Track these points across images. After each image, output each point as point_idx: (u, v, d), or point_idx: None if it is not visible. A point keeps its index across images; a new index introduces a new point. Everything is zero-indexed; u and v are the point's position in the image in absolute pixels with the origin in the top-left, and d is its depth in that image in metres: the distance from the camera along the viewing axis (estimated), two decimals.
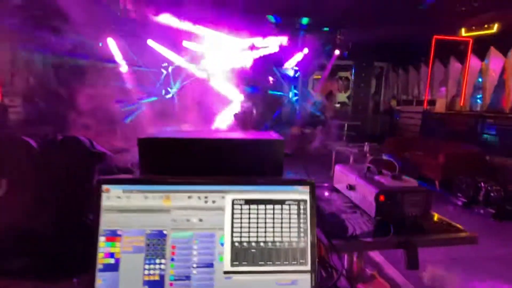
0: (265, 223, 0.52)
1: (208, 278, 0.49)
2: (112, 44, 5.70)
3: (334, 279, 0.76)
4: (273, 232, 0.51)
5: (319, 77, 8.70)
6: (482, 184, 3.68)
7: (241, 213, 0.52)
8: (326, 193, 1.46)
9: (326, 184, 1.53)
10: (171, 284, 0.49)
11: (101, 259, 0.49)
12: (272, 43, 6.08)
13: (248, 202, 0.52)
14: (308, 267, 0.51)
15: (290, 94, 8.25)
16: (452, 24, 5.64)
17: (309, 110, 8.48)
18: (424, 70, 7.13)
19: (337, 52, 6.92)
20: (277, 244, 0.51)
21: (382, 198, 1.09)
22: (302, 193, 0.53)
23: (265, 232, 0.51)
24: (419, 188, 1.14)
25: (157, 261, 0.50)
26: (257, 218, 0.52)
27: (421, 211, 1.11)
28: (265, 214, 0.52)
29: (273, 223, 0.52)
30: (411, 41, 6.64)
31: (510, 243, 2.82)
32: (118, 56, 5.79)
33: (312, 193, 0.53)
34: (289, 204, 0.52)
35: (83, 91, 4.98)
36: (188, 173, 0.56)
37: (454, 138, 5.17)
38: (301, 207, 0.52)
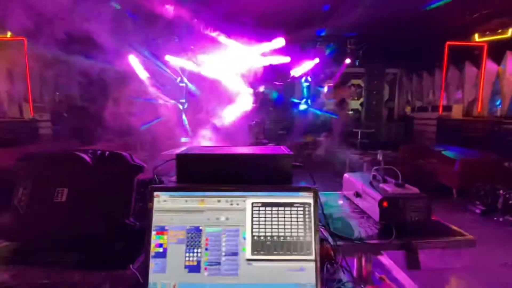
0: (278, 221, 0.66)
1: (234, 264, 0.64)
2: (133, 61, 6.09)
3: (339, 274, 0.88)
4: (284, 228, 0.65)
5: (331, 84, 8.79)
6: (501, 192, 3.60)
7: (259, 213, 0.66)
8: (338, 200, 1.57)
9: (339, 192, 1.65)
10: (205, 268, 0.64)
11: (153, 248, 0.65)
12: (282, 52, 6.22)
13: (264, 204, 0.67)
14: (313, 257, 0.64)
15: (302, 101, 8.36)
16: (465, 29, 5.62)
17: (321, 118, 8.55)
18: (439, 76, 7.04)
19: (347, 60, 7.01)
20: (288, 238, 0.65)
21: (385, 204, 1.20)
22: (307, 198, 0.67)
23: (278, 228, 0.65)
24: (420, 195, 1.23)
25: (195, 250, 0.65)
26: (271, 217, 0.66)
27: (422, 216, 1.20)
28: (278, 214, 0.66)
29: (284, 221, 0.66)
30: (423, 47, 6.63)
31: None
32: (140, 72, 6.15)
33: (315, 198, 0.66)
34: (297, 207, 0.66)
35: (108, 108, 5.37)
36: (216, 181, 0.71)
37: (471, 145, 5.06)
38: (306, 209, 0.66)
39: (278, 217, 0.66)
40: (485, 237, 3.09)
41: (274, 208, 0.66)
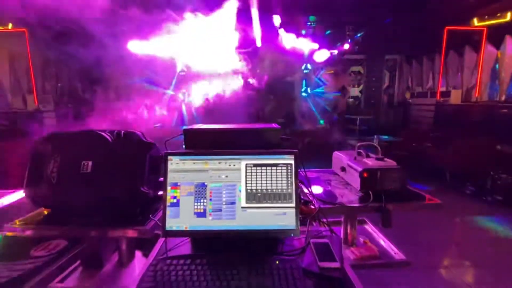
0: (266, 177, 0.83)
1: (232, 210, 0.82)
2: (135, 47, 6.08)
3: (321, 229, 1.07)
4: (271, 183, 0.83)
5: (332, 72, 8.83)
6: (491, 173, 3.77)
7: (251, 172, 0.84)
8: (328, 175, 1.76)
9: (329, 169, 1.84)
10: (210, 214, 0.82)
11: (169, 200, 0.83)
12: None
13: (256, 165, 0.84)
14: (293, 205, 0.82)
15: (303, 89, 8.42)
16: (464, 14, 5.63)
17: (321, 106, 8.64)
18: (439, 61, 7.05)
19: (346, 46, 7.04)
20: (274, 190, 0.83)
21: (365, 174, 1.38)
22: (289, 159, 0.84)
23: (266, 183, 0.83)
24: (396, 167, 1.41)
25: (201, 201, 0.83)
26: (261, 175, 0.83)
27: (397, 184, 1.38)
28: (266, 172, 0.84)
29: (271, 177, 0.83)
30: (423, 32, 6.62)
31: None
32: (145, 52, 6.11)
33: (295, 159, 0.83)
34: (281, 166, 0.84)
35: (109, 98, 5.50)
36: (218, 148, 0.88)
37: (467, 129, 5.17)
38: (289, 168, 0.83)
39: (266, 175, 0.83)
40: (472, 214, 3.30)
41: (263, 168, 0.84)
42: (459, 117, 5.79)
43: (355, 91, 9.19)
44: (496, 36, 5.73)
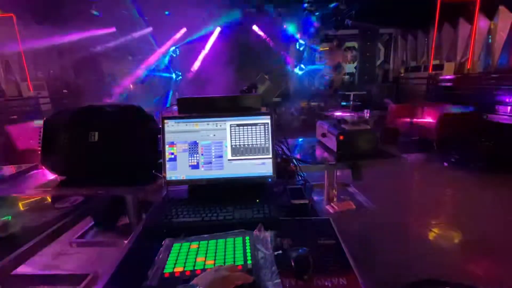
0: (247, 135, 1.00)
1: (220, 162, 1.00)
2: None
3: (300, 183, 1.25)
4: (252, 139, 1.00)
5: (327, 48, 8.77)
6: (474, 141, 3.96)
7: (235, 131, 1.00)
8: (313, 142, 1.94)
9: (312, 138, 2.02)
10: (202, 166, 1.00)
11: (168, 156, 1.00)
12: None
13: (238, 125, 1.01)
14: (270, 155, 0.99)
15: (297, 68, 8.42)
16: None
17: (316, 83, 8.68)
18: (433, 34, 7.02)
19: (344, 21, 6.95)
20: (254, 145, 1.00)
21: (341, 137, 1.55)
22: (266, 119, 1.00)
23: (248, 139, 1.00)
24: (369, 130, 1.58)
25: (194, 155, 1.00)
26: (243, 132, 1.00)
27: (370, 146, 1.56)
28: (247, 130, 1.00)
29: (252, 135, 1.00)
30: (418, 5, 6.54)
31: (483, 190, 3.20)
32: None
33: (271, 119, 1.00)
34: (259, 125, 1.00)
35: (103, 83, 5.54)
36: (206, 112, 1.04)
37: (457, 101, 5.30)
38: (266, 126, 1.00)
39: (247, 132, 1.00)
40: (452, 180, 3.54)
41: (244, 127, 1.00)
42: (450, 89, 5.90)
43: (350, 67, 9.17)
44: (490, 6, 5.70)
